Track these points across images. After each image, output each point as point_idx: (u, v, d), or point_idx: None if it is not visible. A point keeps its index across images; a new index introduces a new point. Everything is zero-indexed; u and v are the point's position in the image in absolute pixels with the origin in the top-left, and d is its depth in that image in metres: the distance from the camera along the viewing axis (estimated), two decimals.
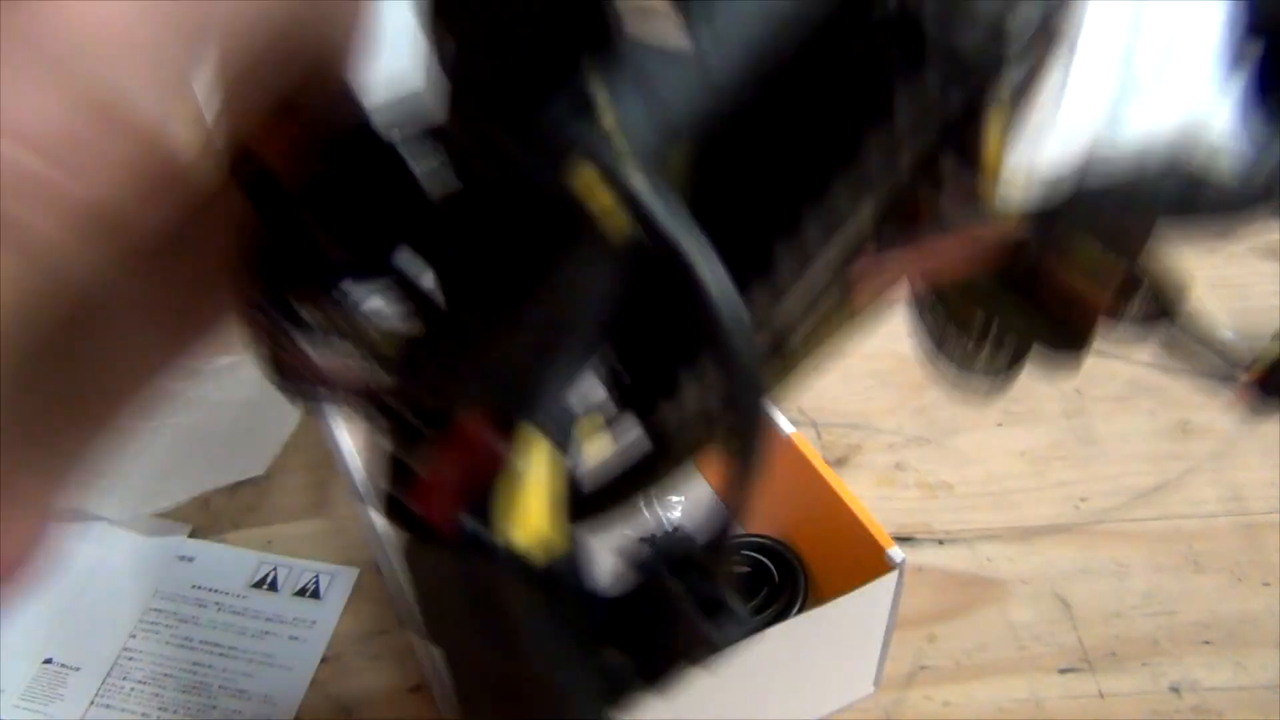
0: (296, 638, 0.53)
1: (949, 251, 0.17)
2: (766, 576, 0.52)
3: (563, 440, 0.18)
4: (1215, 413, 0.61)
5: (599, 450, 0.20)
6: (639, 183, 0.15)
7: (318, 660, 0.52)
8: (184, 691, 0.51)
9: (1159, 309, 0.26)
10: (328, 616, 0.54)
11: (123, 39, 0.15)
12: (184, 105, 0.16)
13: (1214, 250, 0.71)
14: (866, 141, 0.16)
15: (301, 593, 0.55)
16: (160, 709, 0.51)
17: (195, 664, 0.52)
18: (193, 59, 0.16)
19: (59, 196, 0.15)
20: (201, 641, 0.53)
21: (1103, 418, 0.61)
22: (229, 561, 0.57)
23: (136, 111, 0.15)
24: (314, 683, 0.51)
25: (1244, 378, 0.27)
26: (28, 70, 0.14)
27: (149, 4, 0.15)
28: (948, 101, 0.15)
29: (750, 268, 0.17)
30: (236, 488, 0.61)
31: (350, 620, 0.54)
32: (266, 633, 0.53)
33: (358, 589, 0.55)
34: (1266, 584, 0.53)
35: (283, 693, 0.51)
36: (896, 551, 0.44)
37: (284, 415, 0.63)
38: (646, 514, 0.55)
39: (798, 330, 0.18)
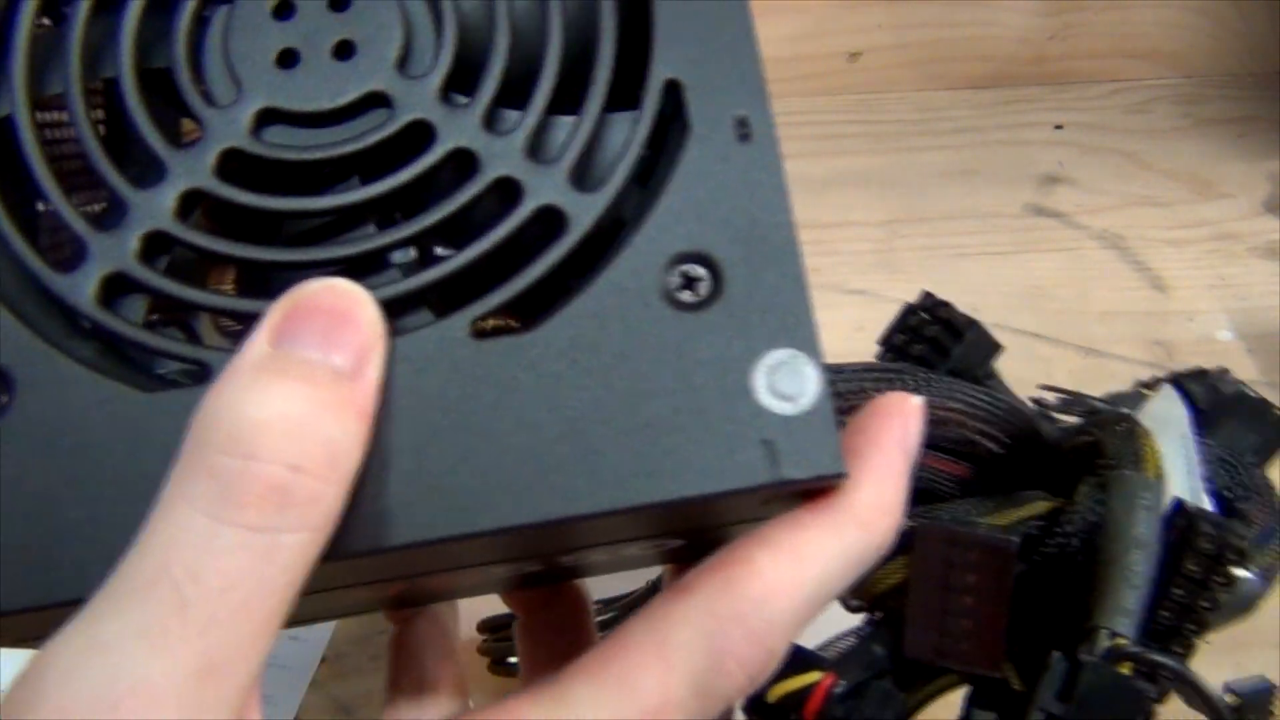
0: (296, 638, 0.53)
1: None
2: None
3: None
4: None
5: None
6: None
7: (318, 660, 0.52)
8: None
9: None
10: None
11: (791, 620, 0.21)
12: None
13: (1214, 250, 0.71)
14: None
15: None
16: None
17: None
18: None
19: None
20: None
21: None
22: None
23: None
24: (314, 683, 0.51)
25: None
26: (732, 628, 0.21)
27: (813, 597, 0.22)
28: None
29: None
30: None
31: (350, 620, 0.54)
32: None
33: None
34: None
35: (283, 693, 0.51)
36: None
37: None
38: None
39: None
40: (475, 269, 0.22)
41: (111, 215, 0.23)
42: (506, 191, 0.23)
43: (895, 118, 0.80)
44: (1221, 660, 0.50)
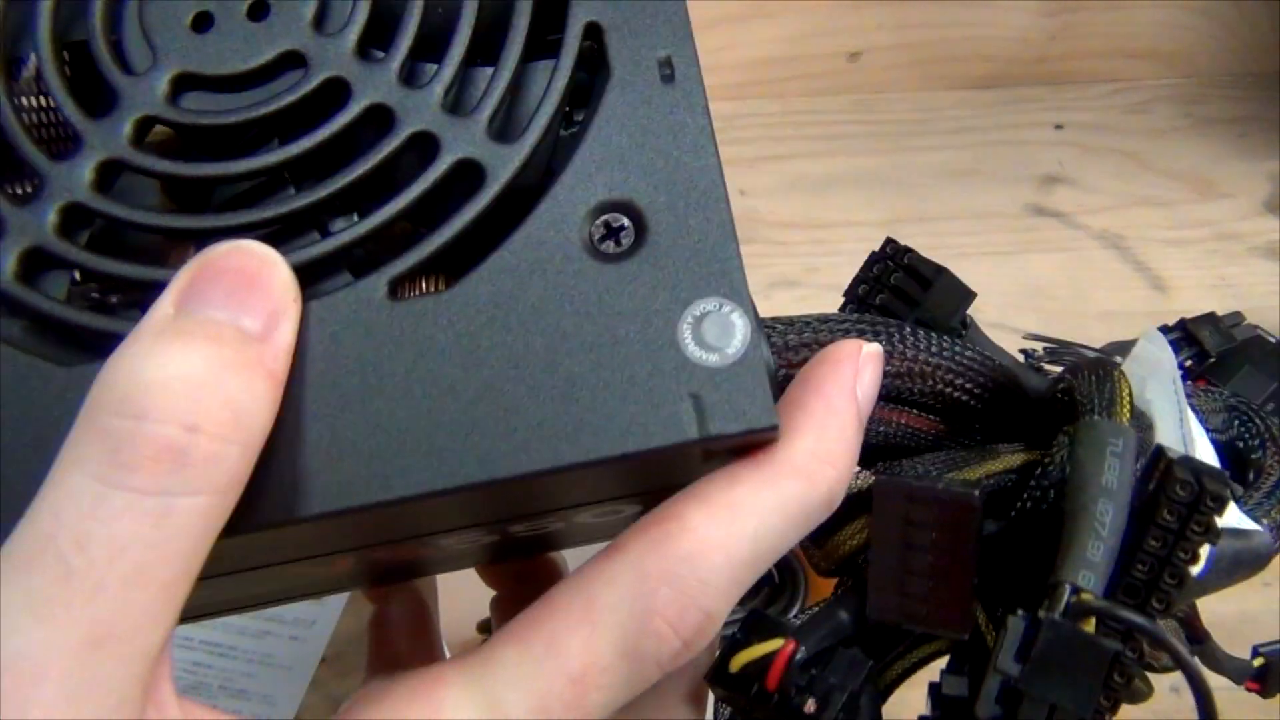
0: (296, 638, 0.53)
1: None
2: (766, 577, 0.52)
3: None
4: None
5: None
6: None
7: (318, 660, 0.52)
8: (183, 691, 0.51)
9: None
10: (328, 616, 0.54)
11: (727, 578, 0.21)
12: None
13: (1214, 250, 0.71)
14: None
15: None
16: None
17: (195, 664, 0.52)
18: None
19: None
20: (201, 641, 0.53)
21: None
22: None
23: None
24: (314, 683, 0.51)
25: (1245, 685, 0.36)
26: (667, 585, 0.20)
27: (751, 554, 0.21)
28: None
29: None
30: None
31: (350, 620, 0.54)
32: (266, 633, 0.53)
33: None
34: (1267, 584, 0.53)
35: (283, 693, 0.51)
36: None
37: None
38: None
39: None
40: (394, 229, 0.22)
41: (32, 191, 0.23)
42: (424, 147, 0.22)
43: (895, 118, 0.80)
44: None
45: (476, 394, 0.20)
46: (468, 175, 0.22)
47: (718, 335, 0.20)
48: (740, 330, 0.20)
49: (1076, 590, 0.26)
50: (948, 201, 0.74)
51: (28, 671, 0.17)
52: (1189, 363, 0.43)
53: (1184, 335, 0.45)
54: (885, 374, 0.25)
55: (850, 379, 0.22)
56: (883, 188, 0.75)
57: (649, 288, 0.21)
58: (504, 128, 0.22)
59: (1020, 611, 0.26)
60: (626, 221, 0.21)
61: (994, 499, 0.29)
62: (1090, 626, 0.26)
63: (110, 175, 0.22)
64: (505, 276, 0.21)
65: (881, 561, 0.27)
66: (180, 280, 0.20)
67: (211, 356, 0.19)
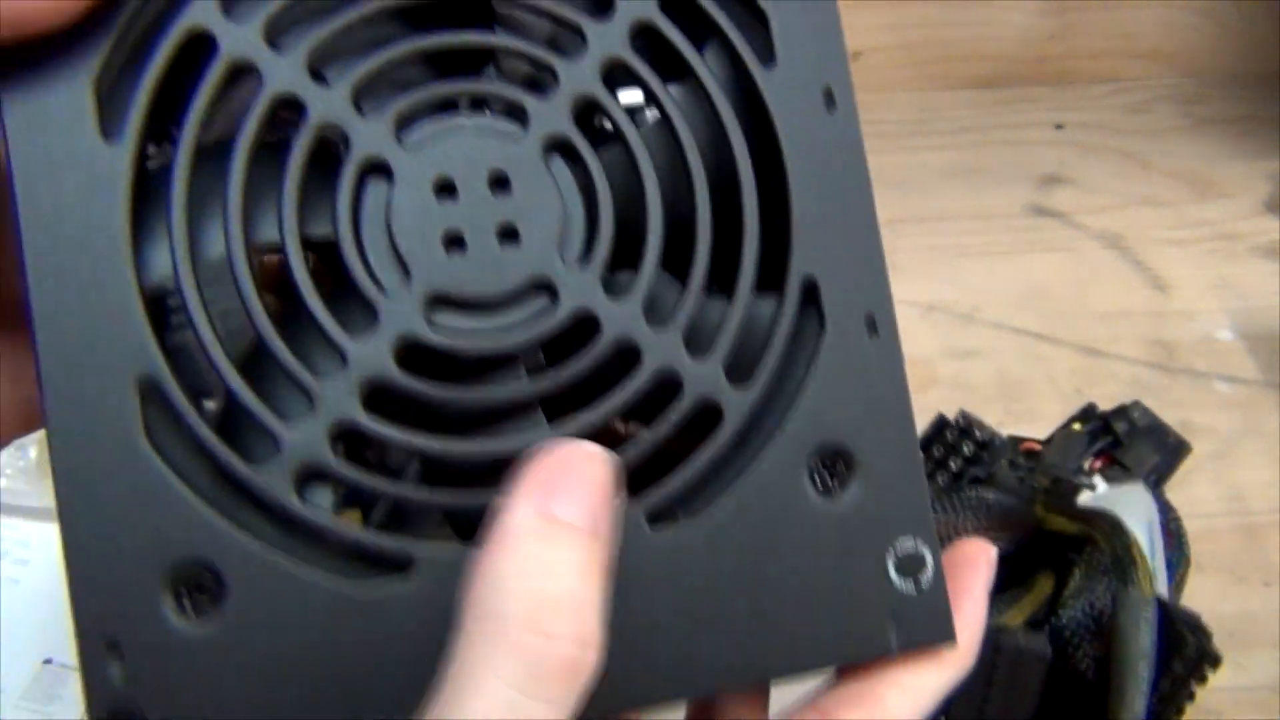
0: None
1: None
2: None
3: None
4: (1215, 413, 0.61)
5: None
6: None
7: None
8: None
9: None
10: None
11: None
12: None
13: (1214, 250, 0.71)
14: None
15: None
16: None
17: None
18: None
19: None
20: None
21: None
22: None
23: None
24: None
25: None
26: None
27: None
28: None
29: None
30: None
31: None
32: None
33: None
34: (1267, 584, 0.53)
35: None
36: None
37: None
38: None
39: None
40: (621, 432, 0.24)
41: (289, 400, 0.23)
42: (667, 383, 0.24)
43: (895, 118, 0.80)
44: (1222, 661, 0.50)
45: (720, 610, 0.24)
46: (707, 413, 0.24)
47: (915, 567, 0.25)
48: (930, 564, 0.25)
49: None
50: (948, 201, 0.74)
51: None
52: (1105, 449, 0.56)
53: (1103, 426, 0.57)
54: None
55: (985, 579, 0.26)
56: (883, 188, 0.75)
57: (861, 523, 0.24)
58: (732, 366, 0.24)
59: None
60: (840, 463, 0.24)
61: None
62: None
63: (376, 394, 0.23)
64: (742, 512, 0.24)
65: (965, 703, 0.35)
66: (535, 481, 0.21)
67: (581, 568, 0.21)
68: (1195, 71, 0.83)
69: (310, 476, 0.22)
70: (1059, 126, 0.80)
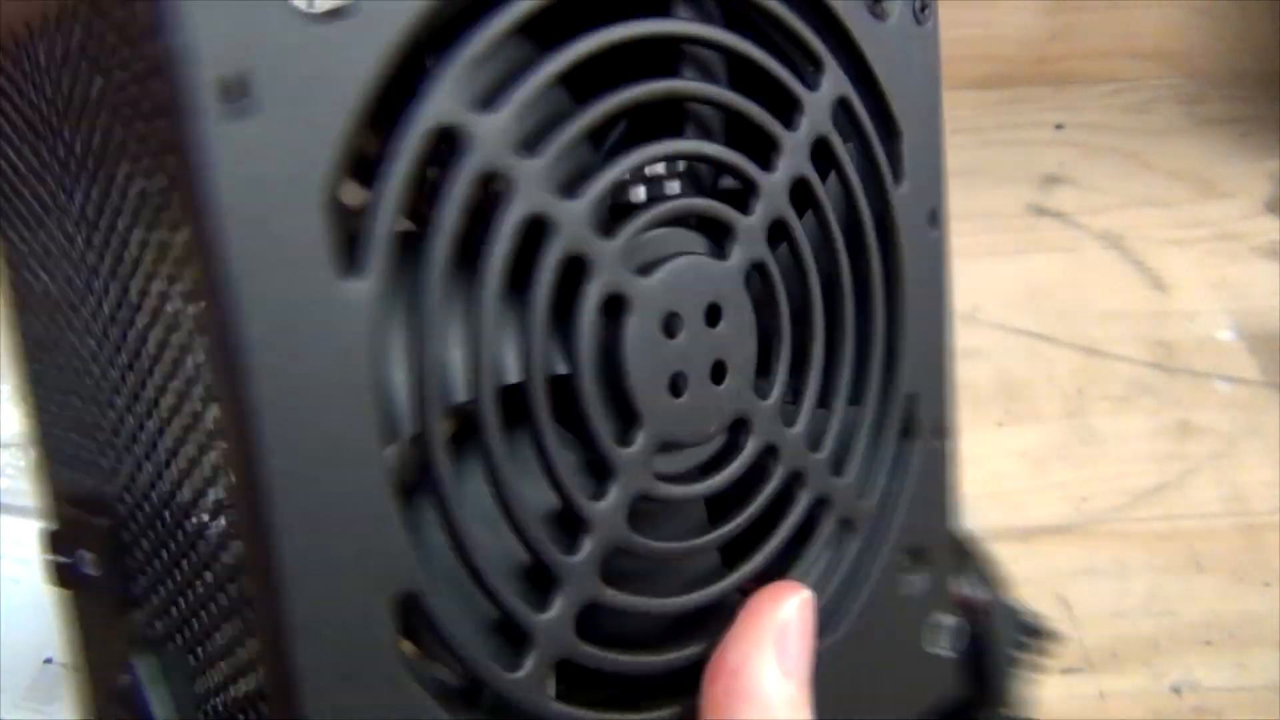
0: None
1: None
2: None
3: None
4: (1215, 413, 0.61)
5: None
6: None
7: None
8: None
9: None
10: None
11: None
12: None
13: (1215, 250, 0.71)
14: None
15: None
16: None
17: None
18: None
19: None
20: None
21: (1103, 418, 0.61)
22: None
23: None
24: None
25: None
26: None
27: None
28: None
29: None
30: None
31: None
32: None
33: None
34: (1267, 584, 0.53)
35: None
36: None
37: None
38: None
39: None
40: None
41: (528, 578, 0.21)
42: (819, 512, 0.24)
43: None
44: (1222, 661, 0.50)
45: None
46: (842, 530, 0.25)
47: (956, 642, 0.28)
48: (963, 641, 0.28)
49: None
50: (948, 201, 0.74)
51: None
52: None
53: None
54: None
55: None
56: None
57: (930, 607, 0.27)
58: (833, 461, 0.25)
59: None
60: (919, 561, 0.26)
61: None
62: None
63: (612, 560, 0.21)
64: (865, 619, 0.25)
65: None
66: (775, 639, 0.22)
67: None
68: (1195, 71, 0.83)
69: (561, 668, 0.20)
70: (1059, 126, 0.80)
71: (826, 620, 0.24)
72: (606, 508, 0.21)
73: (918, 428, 0.26)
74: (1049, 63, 0.82)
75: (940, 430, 0.27)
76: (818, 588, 0.24)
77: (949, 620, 0.28)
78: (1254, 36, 0.81)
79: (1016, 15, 0.80)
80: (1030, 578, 0.54)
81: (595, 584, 0.20)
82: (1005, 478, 0.59)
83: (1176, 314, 0.67)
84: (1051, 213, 0.74)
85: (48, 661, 0.53)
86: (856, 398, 0.25)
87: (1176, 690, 0.49)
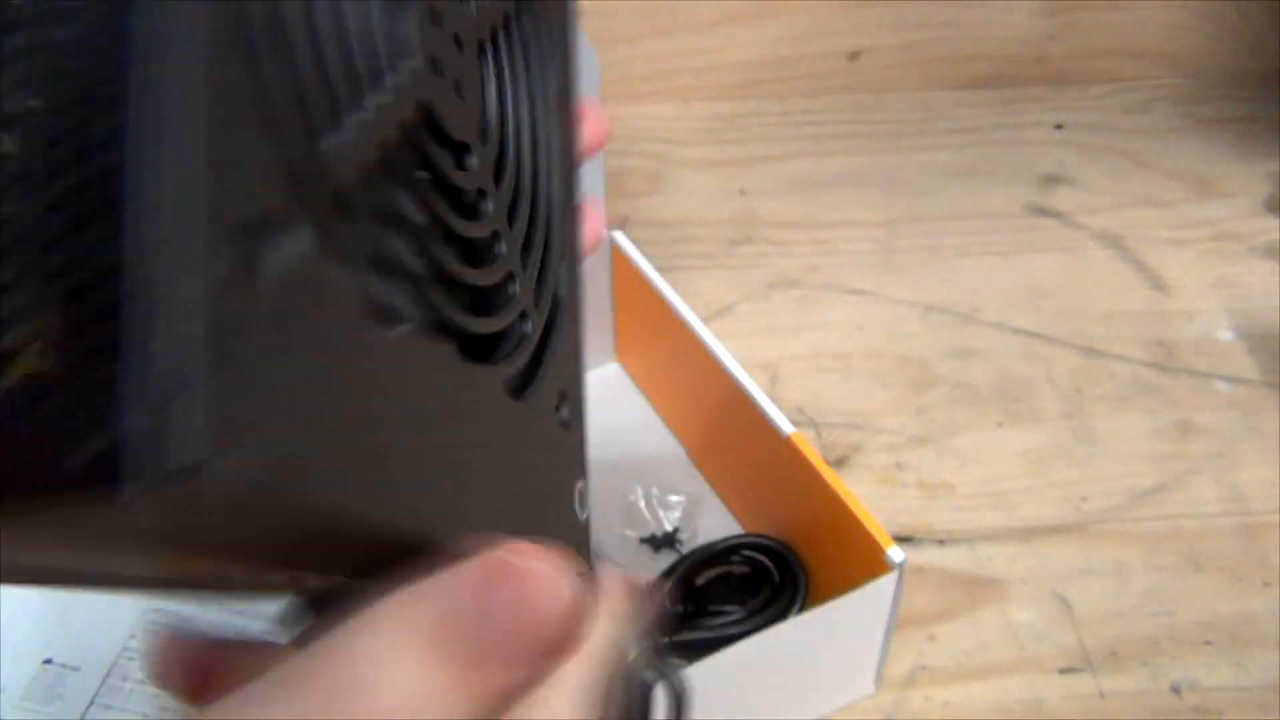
0: None
1: None
2: (766, 576, 0.52)
3: None
4: (1215, 413, 0.61)
5: None
6: None
7: None
8: None
9: None
10: None
11: None
12: None
13: (1214, 250, 0.71)
14: None
15: None
16: (160, 709, 0.51)
17: None
18: None
19: None
20: None
21: (1103, 418, 0.61)
22: None
23: None
24: None
25: None
26: None
27: None
28: None
29: None
30: None
31: None
32: (268, 632, 0.53)
33: None
34: (1267, 584, 0.53)
35: None
36: (896, 551, 0.44)
37: None
38: (647, 514, 0.55)
39: None
40: None
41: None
42: None
43: (895, 118, 0.80)
44: (1222, 661, 0.50)
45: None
46: None
47: None
48: None
49: None
50: (947, 201, 0.74)
51: None
52: None
53: None
54: None
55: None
56: (882, 188, 0.75)
57: None
58: None
59: None
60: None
61: None
62: None
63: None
64: None
65: None
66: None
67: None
68: (1195, 71, 0.83)
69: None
70: (1059, 126, 0.80)
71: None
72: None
73: None
74: (1049, 63, 0.82)
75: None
76: None
77: None
78: (1254, 36, 0.81)
79: (1016, 15, 0.80)
80: (1030, 578, 0.54)
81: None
82: (1005, 478, 0.59)
83: (1176, 314, 0.67)
84: (1051, 213, 0.74)
85: (47, 662, 0.53)
86: None
87: (1176, 690, 0.49)
